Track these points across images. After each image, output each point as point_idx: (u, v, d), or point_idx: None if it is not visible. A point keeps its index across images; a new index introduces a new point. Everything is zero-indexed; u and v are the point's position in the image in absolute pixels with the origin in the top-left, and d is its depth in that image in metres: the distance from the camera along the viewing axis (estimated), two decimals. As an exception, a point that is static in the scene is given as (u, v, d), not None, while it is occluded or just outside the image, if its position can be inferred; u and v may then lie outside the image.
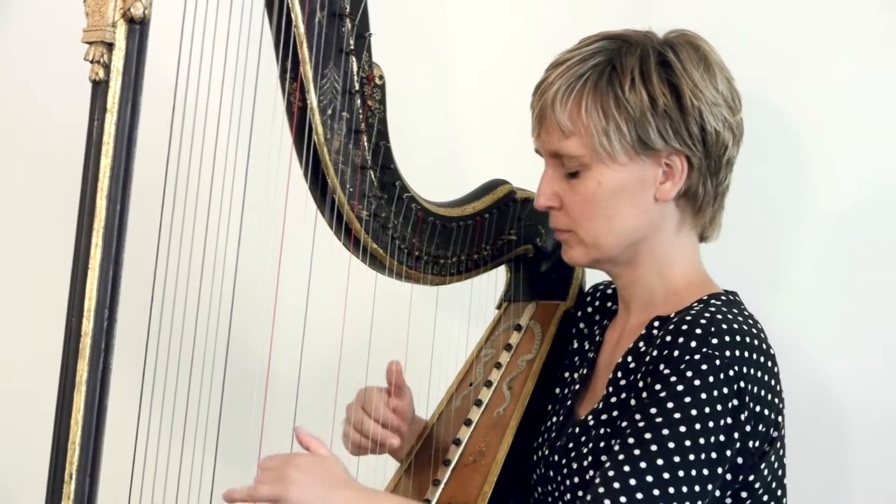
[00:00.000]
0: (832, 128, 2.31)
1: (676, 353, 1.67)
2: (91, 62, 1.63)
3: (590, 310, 2.03)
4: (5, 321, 2.77)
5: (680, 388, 1.64)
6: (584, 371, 1.92)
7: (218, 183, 1.74)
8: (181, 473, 1.74)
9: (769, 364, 1.71)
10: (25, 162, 2.75)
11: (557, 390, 1.98)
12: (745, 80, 1.84)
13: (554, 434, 1.88)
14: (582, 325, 2.03)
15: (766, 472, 1.73)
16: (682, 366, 1.65)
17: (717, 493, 1.68)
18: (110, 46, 1.62)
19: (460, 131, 2.52)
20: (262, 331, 1.82)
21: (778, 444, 1.75)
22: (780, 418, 1.74)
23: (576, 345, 2.02)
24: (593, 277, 2.07)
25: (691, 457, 1.63)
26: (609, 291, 2.02)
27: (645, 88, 1.73)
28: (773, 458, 1.74)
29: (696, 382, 1.64)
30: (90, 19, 1.63)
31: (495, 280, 2.11)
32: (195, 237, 1.73)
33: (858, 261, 2.30)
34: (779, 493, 1.77)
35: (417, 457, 1.96)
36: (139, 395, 1.65)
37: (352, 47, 1.82)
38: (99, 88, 1.63)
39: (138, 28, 1.64)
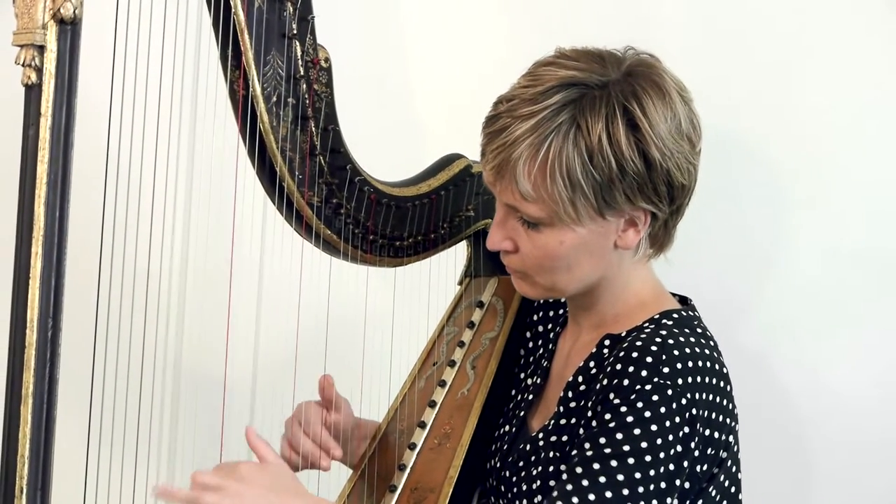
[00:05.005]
0: (832, 130, 2.25)
1: (626, 382, 1.63)
2: (23, 66, 1.59)
3: (542, 301, 1.98)
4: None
5: (630, 419, 1.61)
6: (538, 380, 1.89)
7: (161, 180, 1.70)
8: (136, 483, 1.71)
9: (721, 384, 1.67)
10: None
11: (514, 392, 1.94)
12: (745, 80, 1.76)
13: (506, 446, 1.85)
14: (536, 318, 1.98)
15: (713, 493, 1.70)
16: (633, 396, 1.61)
17: None
18: (41, 49, 1.59)
19: (413, 107, 2.47)
20: (215, 326, 1.79)
21: (729, 463, 1.71)
22: (731, 438, 1.70)
23: (530, 345, 1.98)
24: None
25: (640, 489, 1.59)
26: None
27: (613, 155, 1.64)
28: (722, 478, 1.71)
29: (647, 414, 1.60)
30: (20, 21, 1.60)
31: (455, 256, 2.07)
32: (139, 237, 1.70)
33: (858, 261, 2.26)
34: None
35: (381, 442, 1.93)
36: (89, 405, 1.63)
37: (294, 31, 1.78)
38: (32, 93, 1.60)
39: (70, 28, 1.60)
